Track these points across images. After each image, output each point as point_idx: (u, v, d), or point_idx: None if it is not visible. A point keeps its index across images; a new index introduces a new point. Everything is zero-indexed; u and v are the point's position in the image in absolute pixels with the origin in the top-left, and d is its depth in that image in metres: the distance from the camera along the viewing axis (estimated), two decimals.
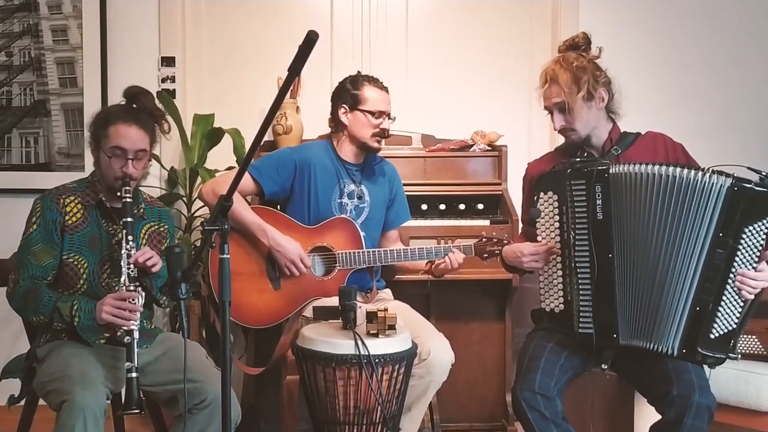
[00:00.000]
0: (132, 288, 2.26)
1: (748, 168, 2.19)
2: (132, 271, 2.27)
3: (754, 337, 2.78)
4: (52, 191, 2.39)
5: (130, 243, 2.28)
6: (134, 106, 2.41)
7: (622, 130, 2.47)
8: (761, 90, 3.80)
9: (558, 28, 3.71)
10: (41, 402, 2.47)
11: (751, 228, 2.14)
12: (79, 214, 2.36)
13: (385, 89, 2.84)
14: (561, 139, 2.56)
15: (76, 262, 2.34)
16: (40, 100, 3.59)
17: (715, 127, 3.77)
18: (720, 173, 2.16)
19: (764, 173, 2.16)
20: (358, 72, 2.90)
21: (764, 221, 2.14)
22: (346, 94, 2.81)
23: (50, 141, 3.59)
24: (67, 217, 2.35)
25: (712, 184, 2.14)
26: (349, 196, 2.82)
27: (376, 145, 2.81)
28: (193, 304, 3.23)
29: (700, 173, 2.16)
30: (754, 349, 2.79)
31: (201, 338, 3.28)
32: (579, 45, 2.42)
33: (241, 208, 2.67)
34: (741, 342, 2.76)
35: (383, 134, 2.81)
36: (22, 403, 2.43)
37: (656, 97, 3.72)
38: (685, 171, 2.17)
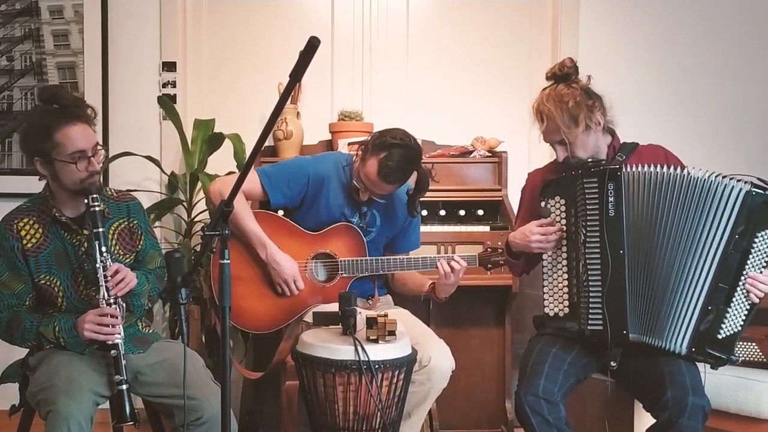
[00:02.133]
0: (111, 301, 2.22)
1: (759, 179, 2.25)
2: (109, 283, 2.22)
3: (753, 344, 2.78)
4: (5, 218, 2.31)
5: (104, 254, 2.22)
6: (56, 105, 2.27)
7: (621, 141, 2.48)
8: (760, 95, 3.81)
9: (558, 35, 3.72)
10: None
11: (763, 233, 2.20)
12: (38, 234, 2.29)
13: (388, 180, 2.57)
14: None
15: (49, 283, 2.29)
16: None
17: (713, 132, 3.78)
18: (735, 177, 2.22)
19: None
20: (400, 144, 2.56)
21: None
22: (368, 145, 2.61)
23: None
24: (24, 241, 2.27)
25: (732, 187, 2.20)
26: (360, 217, 2.78)
27: (354, 194, 2.72)
28: (193, 309, 3.23)
29: (719, 176, 2.22)
30: (753, 356, 2.78)
31: (200, 343, 3.27)
32: (569, 75, 2.39)
33: (244, 216, 2.62)
34: (740, 349, 2.77)
35: (359, 194, 2.69)
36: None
37: (655, 101, 3.73)
38: (702, 172, 2.22)
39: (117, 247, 2.38)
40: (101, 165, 2.29)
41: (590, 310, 2.27)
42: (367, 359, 2.20)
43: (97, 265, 2.21)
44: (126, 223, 2.43)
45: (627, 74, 3.69)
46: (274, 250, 2.64)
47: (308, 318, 2.63)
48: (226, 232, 1.75)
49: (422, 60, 3.79)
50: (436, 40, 3.79)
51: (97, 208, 2.22)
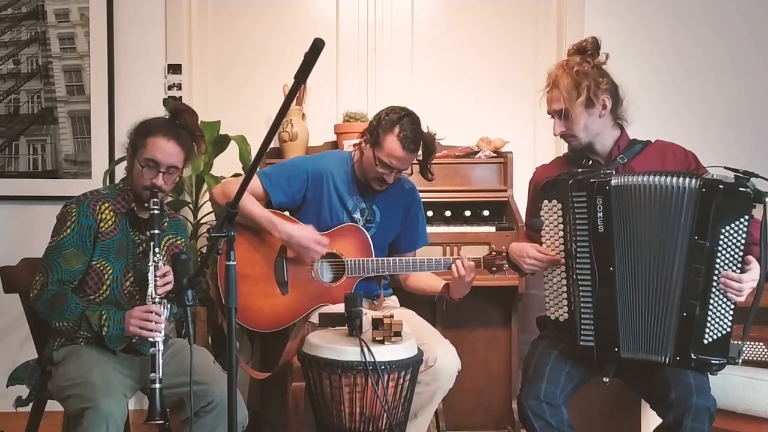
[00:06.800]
0: (158, 300, 2.30)
1: (725, 167, 2.16)
2: (158, 283, 2.31)
3: (761, 344, 2.77)
4: (87, 197, 2.40)
5: (158, 255, 2.32)
6: (177, 122, 2.43)
7: (631, 138, 2.44)
8: (766, 95, 3.79)
9: (563, 36, 3.71)
10: (48, 408, 2.48)
11: (728, 228, 2.10)
12: (111, 222, 2.39)
13: (411, 150, 2.63)
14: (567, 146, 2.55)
15: (102, 268, 2.37)
16: (48, 107, 3.60)
17: (720, 134, 3.76)
18: (691, 176, 2.14)
19: (741, 171, 2.12)
20: (405, 114, 2.66)
21: (740, 221, 2.09)
22: (375, 129, 2.67)
23: (57, 148, 3.61)
24: (101, 224, 2.37)
25: (683, 188, 2.12)
26: (361, 213, 2.79)
27: (376, 186, 2.74)
28: (200, 310, 3.24)
29: (674, 178, 2.14)
30: (760, 356, 2.77)
31: (207, 345, 3.28)
32: (586, 50, 2.38)
33: (250, 204, 2.65)
34: (747, 349, 2.75)
35: (384, 182, 2.72)
36: (28, 407, 2.44)
37: (661, 104, 3.72)
38: (664, 178, 2.15)
39: (164, 259, 2.44)
40: (168, 186, 2.40)
41: (582, 325, 2.24)
42: (373, 360, 2.20)
43: (150, 264, 2.31)
44: (174, 239, 2.54)
45: (633, 75, 3.66)
46: (285, 225, 2.65)
47: (314, 319, 2.64)
48: (232, 233, 1.76)
49: (427, 61, 3.79)
50: (441, 40, 3.79)
51: (155, 212, 2.34)
